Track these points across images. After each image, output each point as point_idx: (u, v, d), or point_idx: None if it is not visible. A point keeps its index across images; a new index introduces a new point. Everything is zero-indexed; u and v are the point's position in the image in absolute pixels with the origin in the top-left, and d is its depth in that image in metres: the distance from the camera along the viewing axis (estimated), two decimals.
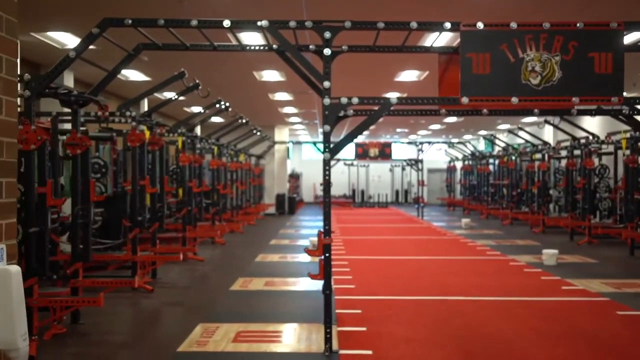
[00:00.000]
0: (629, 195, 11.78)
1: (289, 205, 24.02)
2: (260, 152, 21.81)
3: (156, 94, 13.34)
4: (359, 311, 6.70)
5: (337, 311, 6.67)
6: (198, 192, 11.73)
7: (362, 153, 22.77)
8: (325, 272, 5.27)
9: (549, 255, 10.26)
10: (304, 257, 11.10)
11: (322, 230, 5.35)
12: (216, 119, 17.95)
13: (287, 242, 13.79)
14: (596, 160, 14.79)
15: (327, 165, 5.19)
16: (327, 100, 5.09)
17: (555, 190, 17.78)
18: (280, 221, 20.08)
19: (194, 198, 11.82)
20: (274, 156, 23.64)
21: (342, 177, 32.34)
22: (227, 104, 11.73)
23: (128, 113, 7.89)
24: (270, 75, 12.12)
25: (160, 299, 7.61)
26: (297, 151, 33.60)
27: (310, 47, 5.75)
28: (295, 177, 30.42)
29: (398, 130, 25.73)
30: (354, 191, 31.86)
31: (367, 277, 8.94)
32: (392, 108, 5.89)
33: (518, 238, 14.57)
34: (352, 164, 30.83)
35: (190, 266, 10.18)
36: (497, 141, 21.90)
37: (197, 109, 13.47)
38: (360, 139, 29.39)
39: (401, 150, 29.17)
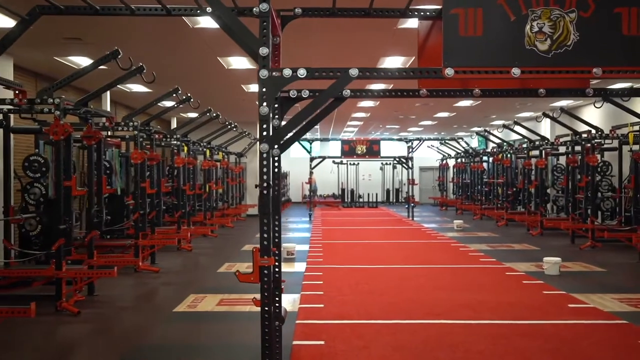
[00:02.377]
0: (639, 194, 10.54)
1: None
2: (241, 150, 20.46)
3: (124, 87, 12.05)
4: (322, 342, 5.41)
5: (295, 342, 5.38)
6: (153, 193, 10.38)
7: (349, 150, 21.43)
8: (262, 302, 3.96)
9: (551, 263, 9.01)
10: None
11: (270, 246, 4.03)
12: (194, 115, 16.67)
13: None
14: (598, 157, 13.54)
15: (265, 160, 3.88)
16: (264, 73, 3.79)
17: (554, 190, 16.55)
18: None
19: (153, 200, 10.52)
20: (256, 154, 22.29)
21: (331, 176, 31.09)
22: (189, 95, 10.42)
23: (51, 100, 6.58)
24: (239, 62, 10.79)
25: (84, 326, 6.30)
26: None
27: (255, 9, 4.43)
28: (282, 177, 29.07)
29: (388, 126, 24.49)
30: (343, 191, 30.57)
31: (341, 293, 7.65)
32: (357, 97, 4.64)
33: (514, 242, 13.31)
34: (341, 162, 29.54)
35: (140, 279, 8.88)
36: (491, 137, 20.62)
37: (170, 104, 12.15)
38: (347, 135, 28.14)
39: (391, 147, 27.87)
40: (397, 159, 23.77)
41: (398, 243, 13.36)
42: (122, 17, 7.60)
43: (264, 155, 3.87)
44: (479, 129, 22.90)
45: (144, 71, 7.64)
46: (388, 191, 31.33)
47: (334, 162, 29.13)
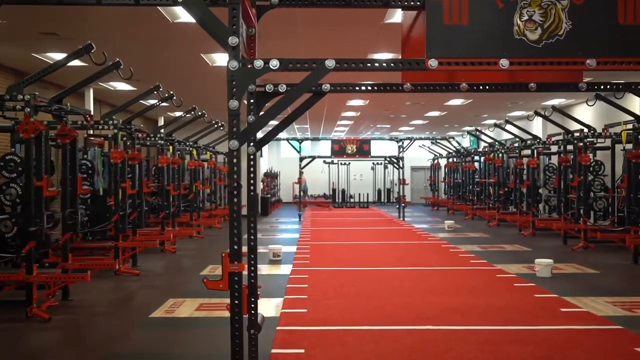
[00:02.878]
0: (633, 194, 10.32)
1: (262, 206, 22.41)
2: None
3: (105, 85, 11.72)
4: (302, 351, 5.14)
5: (273, 351, 5.11)
6: (135, 193, 10.07)
7: (339, 150, 21.16)
8: (232, 311, 3.70)
9: (543, 265, 8.77)
10: (265, 269, 9.53)
11: (243, 251, 3.77)
12: (181, 113, 16.32)
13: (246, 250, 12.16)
14: (590, 156, 13.33)
15: (235, 158, 3.61)
16: (234, 64, 3.52)
17: (546, 189, 16.34)
18: None
19: (135, 200, 10.23)
20: (246, 153, 21.97)
21: (322, 176, 30.81)
22: (171, 93, 10.13)
23: (20, 97, 6.28)
24: (223, 59, 10.49)
25: (53, 334, 6.00)
26: (274, 149, 32.01)
27: None
28: (272, 177, 28.80)
29: (379, 125, 24.24)
30: (334, 191, 30.29)
31: (326, 297, 7.38)
32: (337, 92, 4.38)
33: (506, 242, 13.08)
34: (332, 162, 29.28)
35: (119, 283, 8.58)
36: (482, 136, 20.40)
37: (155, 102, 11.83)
38: (338, 134, 27.86)
39: (382, 147, 27.61)
40: (388, 159, 23.51)
41: (388, 244, 13.11)
42: (102, 12, 7.43)
43: (234, 152, 3.60)
44: (471, 128, 22.68)
45: (121, 67, 7.34)
46: (379, 191, 31.10)
47: (324, 161, 28.84)
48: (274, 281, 8.54)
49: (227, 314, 6.47)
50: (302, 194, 29.09)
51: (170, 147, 12.94)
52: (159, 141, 12.01)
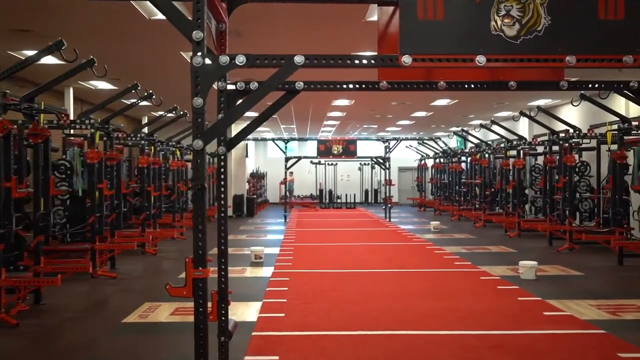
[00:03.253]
0: (617, 195, 10.25)
1: (247, 206, 22.21)
2: (215, 150, 19.88)
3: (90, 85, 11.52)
4: (276, 358, 4.96)
5: (246, 358, 4.94)
6: (112, 194, 9.85)
7: (325, 150, 21.00)
8: (196, 319, 3.52)
9: (527, 267, 8.66)
10: (246, 271, 9.37)
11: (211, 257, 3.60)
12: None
13: (231, 251, 11.92)
14: (576, 157, 13.26)
15: (199, 159, 3.43)
16: (197, 60, 3.35)
17: (532, 190, 16.27)
18: (235, 225, 18.27)
19: (113, 202, 10.01)
20: (231, 154, 21.80)
21: (309, 176, 30.64)
22: (150, 92, 9.93)
23: None
24: None
25: (19, 340, 5.79)
26: (261, 149, 31.81)
27: None
28: (258, 177, 28.58)
29: (365, 126, 24.12)
30: (321, 191, 30.13)
31: (305, 300, 7.22)
32: (310, 90, 4.23)
33: (491, 244, 12.98)
34: (319, 162, 29.10)
35: (95, 286, 8.38)
36: (469, 137, 20.32)
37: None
38: (326, 135, 27.70)
39: (369, 147, 27.49)
40: (374, 159, 23.39)
41: (372, 246, 12.96)
42: (78, 9, 7.22)
43: (198, 153, 3.42)
44: (457, 128, 22.60)
45: (95, 64, 7.14)
46: (366, 192, 30.97)
47: (311, 162, 28.67)
48: (254, 284, 8.38)
49: None
50: (287, 194, 29.02)
51: (152, 147, 12.72)
52: (140, 141, 11.78)
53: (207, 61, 3.38)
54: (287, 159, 20.84)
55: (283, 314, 6.46)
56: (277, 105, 4.38)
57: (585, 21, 3.42)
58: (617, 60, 3.42)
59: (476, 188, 19.16)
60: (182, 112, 12.43)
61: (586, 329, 5.86)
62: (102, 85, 12.77)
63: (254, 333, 5.70)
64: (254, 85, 4.20)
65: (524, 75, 4.33)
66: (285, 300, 7.20)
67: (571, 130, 12.06)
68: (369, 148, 27.40)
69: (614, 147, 10.71)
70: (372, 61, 3.46)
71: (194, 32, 3.35)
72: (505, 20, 3.38)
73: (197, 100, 3.36)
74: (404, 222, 19.15)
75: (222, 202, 4.27)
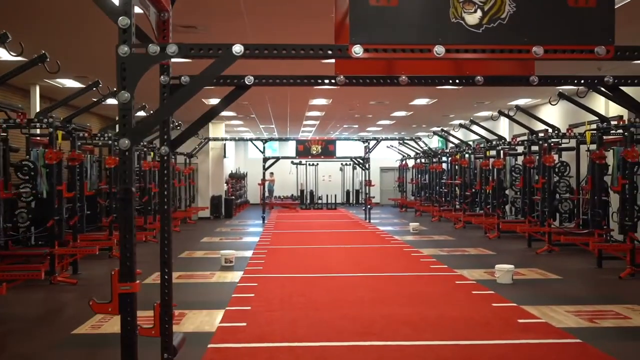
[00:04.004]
0: (596, 196, 10.01)
1: (225, 208, 21.80)
2: (191, 150, 19.47)
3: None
4: None
5: None
6: (73, 196, 9.44)
7: (304, 150, 20.62)
8: (124, 338, 3.17)
9: (503, 271, 8.39)
10: (214, 276, 9.01)
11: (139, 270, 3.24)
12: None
13: (201, 255, 11.64)
14: (556, 157, 13.04)
15: (126, 160, 3.08)
16: (124, 49, 3.00)
17: (512, 191, 16.04)
18: (212, 226, 17.88)
19: (75, 204, 9.59)
20: (209, 154, 21.39)
21: (290, 177, 30.25)
22: (114, 89, 9.48)
23: None
24: None
25: None
26: (242, 149, 31.37)
27: None
28: (238, 178, 28.16)
29: (345, 125, 23.81)
30: (302, 192, 29.76)
31: (271, 308, 6.87)
32: (262, 85, 3.90)
33: (470, 245, 12.72)
34: (300, 163, 28.74)
35: (52, 293, 7.99)
36: (450, 137, 20.07)
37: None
38: (307, 135, 27.36)
39: (349, 148, 27.19)
40: (354, 160, 23.09)
41: (349, 248, 12.64)
42: (40, 2, 6.81)
43: (125, 153, 3.07)
44: (438, 128, 22.34)
45: (47, 60, 6.74)
46: (348, 192, 30.67)
47: (292, 162, 28.31)
48: (220, 290, 8.03)
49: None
50: (267, 195, 28.61)
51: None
52: (108, 141, 11.35)
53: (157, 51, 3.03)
54: (265, 160, 20.46)
55: (245, 324, 6.11)
56: (226, 101, 4.04)
57: (554, 9, 3.12)
58: (588, 51, 3.13)
59: (456, 189, 18.92)
60: (151, 112, 12.01)
61: (561, 338, 5.57)
62: (70, 83, 12.33)
63: (209, 345, 5.35)
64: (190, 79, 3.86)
65: (493, 69, 4.03)
66: (249, 307, 6.85)
67: (550, 130, 11.83)
68: (349, 148, 27.10)
69: (594, 147, 10.49)
70: (320, 51, 3.13)
71: (120, 18, 3.00)
72: (466, 7, 3.06)
73: (123, 95, 3.01)
74: (384, 224, 18.86)
75: (165, 207, 3.92)
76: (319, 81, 4.01)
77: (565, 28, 3.13)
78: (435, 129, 23.54)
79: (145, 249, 12.48)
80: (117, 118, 15.79)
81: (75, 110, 10.27)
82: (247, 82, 3.91)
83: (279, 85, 4.04)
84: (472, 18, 3.07)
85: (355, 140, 23.37)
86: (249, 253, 11.60)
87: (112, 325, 6.15)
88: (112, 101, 11.34)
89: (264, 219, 19.56)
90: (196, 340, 5.53)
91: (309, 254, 11.67)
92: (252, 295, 7.57)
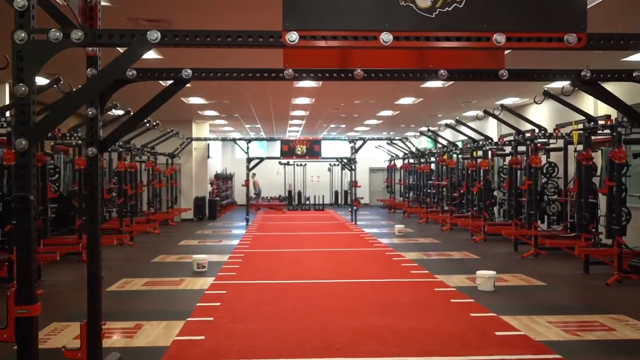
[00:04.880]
0: (583, 198, 9.65)
1: (209, 209, 21.36)
2: (172, 150, 19.01)
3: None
4: None
5: None
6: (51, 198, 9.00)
7: (289, 151, 20.20)
8: None
9: (485, 278, 8.01)
10: (183, 283, 8.59)
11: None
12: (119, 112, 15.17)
13: (175, 259, 11.21)
14: (544, 158, 12.70)
15: (24, 163, 2.66)
16: (21, 35, 2.59)
17: (500, 192, 15.69)
18: (193, 228, 17.45)
19: (37, 207, 9.17)
20: (192, 155, 20.94)
21: (278, 177, 29.83)
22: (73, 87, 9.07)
23: None
24: None
25: None
26: (229, 150, 30.92)
27: None
28: (225, 178, 27.74)
29: (332, 125, 23.39)
30: (289, 193, 29.36)
31: (235, 319, 6.47)
32: (201, 79, 3.51)
33: (455, 249, 12.35)
34: (287, 163, 28.34)
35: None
36: (436, 137, 19.70)
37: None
38: (294, 135, 26.94)
39: (337, 148, 26.80)
40: (340, 160, 22.71)
41: (330, 252, 12.25)
42: None
43: (23, 155, 2.66)
44: (425, 129, 21.95)
45: None
46: (336, 193, 30.28)
47: (280, 162, 27.90)
48: (186, 298, 7.60)
49: (110, 341, 5.56)
50: (254, 196, 28.17)
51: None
52: (78, 141, 10.91)
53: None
54: (249, 160, 20.04)
55: (202, 337, 5.70)
56: (162, 97, 3.62)
57: None
58: (557, 39, 2.73)
59: (444, 190, 18.56)
60: (126, 110, 11.59)
61: (540, 353, 5.19)
62: (39, 80, 11.88)
63: None
64: (131, 74, 3.45)
65: (458, 61, 3.64)
66: (212, 318, 6.43)
67: (537, 130, 11.47)
68: (337, 148, 26.72)
69: (581, 147, 10.11)
70: (250, 39, 2.73)
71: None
72: None
73: (20, 88, 2.61)
74: (370, 225, 18.48)
75: (92, 212, 3.50)
76: (265, 75, 3.60)
77: (531, 13, 2.73)
78: (424, 128, 23.19)
79: (119, 253, 12.07)
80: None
81: (41, 108, 9.81)
82: (184, 76, 3.51)
83: (220, 80, 3.64)
84: (424, 1, 2.67)
85: (342, 140, 22.99)
86: (225, 257, 11.19)
87: (61, 339, 5.76)
88: None
89: (247, 220, 19.14)
90: (148, 357, 5.14)
91: (287, 259, 11.27)
92: (218, 304, 7.16)
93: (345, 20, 2.67)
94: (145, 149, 16.16)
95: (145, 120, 13.85)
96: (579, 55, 5.51)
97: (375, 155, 28.61)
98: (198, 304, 7.15)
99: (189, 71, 3.52)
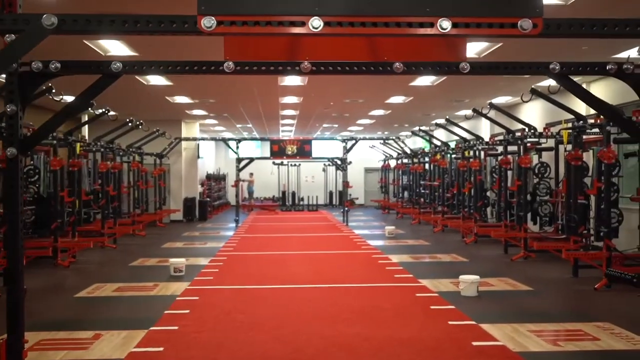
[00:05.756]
0: (572, 200, 9.34)
1: (200, 210, 21.05)
2: (161, 150, 18.68)
3: None
4: None
5: None
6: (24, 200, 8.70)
7: (279, 151, 19.86)
8: None
9: (468, 283, 7.69)
10: (157, 288, 8.28)
11: None
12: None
13: (154, 262, 10.88)
14: (535, 158, 12.38)
15: None
16: None
17: (493, 192, 15.36)
18: (181, 230, 17.11)
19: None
20: (181, 155, 20.63)
21: (272, 178, 29.53)
22: (50, 85, 8.77)
23: None
24: (115, 47, 9.12)
25: None
26: (222, 150, 30.61)
27: None
28: (218, 179, 27.43)
29: (325, 125, 23.08)
30: (284, 193, 29.05)
31: (201, 327, 6.16)
32: (134, 72, 3.18)
33: (444, 251, 12.04)
34: (281, 163, 28.04)
35: None
36: (428, 137, 19.36)
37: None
38: (287, 135, 26.63)
39: (329, 148, 26.48)
40: (331, 160, 22.40)
41: (315, 255, 11.94)
42: None
43: None
44: (422, 127, 21.60)
45: None
46: (331, 193, 29.97)
47: (274, 163, 27.60)
48: (156, 305, 7.27)
49: (60, 355, 5.25)
50: (247, 196, 27.87)
51: (78, 147, 11.63)
52: (52, 141, 10.59)
53: None
54: (239, 160, 19.74)
55: (161, 348, 5.39)
56: (91, 93, 3.32)
57: None
58: (510, 25, 2.42)
59: (435, 190, 18.23)
60: (105, 110, 11.28)
61: None
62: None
63: None
64: (55, 66, 3.14)
65: (415, 53, 3.33)
66: (177, 327, 6.12)
67: (526, 129, 11.16)
68: (330, 148, 26.41)
69: (571, 147, 9.79)
70: (161, 24, 2.42)
71: None
72: None
73: None
74: (362, 227, 18.17)
75: (12, 221, 3.20)
76: (204, 68, 3.30)
77: None
78: (415, 128, 22.86)
79: (98, 256, 11.76)
80: (81, 117, 14.83)
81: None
82: (114, 70, 3.20)
83: (155, 74, 3.36)
84: None
85: (335, 139, 22.69)
86: (206, 261, 10.88)
87: None
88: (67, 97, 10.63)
89: (237, 222, 18.82)
90: None
91: (270, 262, 10.97)
92: (187, 311, 6.85)
93: (271, 4, 2.37)
94: (131, 149, 15.85)
95: (128, 120, 13.57)
96: (572, 50, 5.22)
97: (370, 155, 28.31)
98: (166, 312, 6.84)
99: (119, 64, 3.21)
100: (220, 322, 6.39)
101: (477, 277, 7.79)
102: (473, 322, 6.26)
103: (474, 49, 8.47)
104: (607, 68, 3.36)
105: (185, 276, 9.16)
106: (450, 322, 6.30)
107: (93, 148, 13.11)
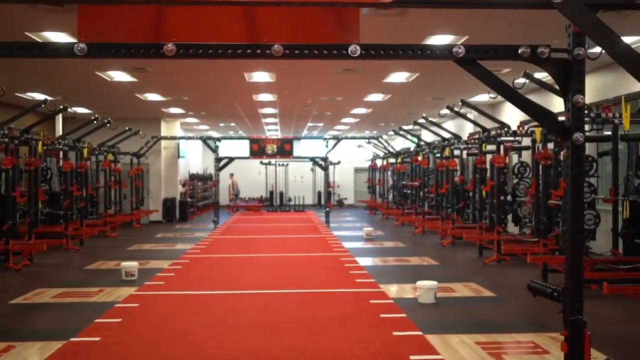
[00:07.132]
0: (541, 201, 8.90)
1: (180, 211, 20.62)
2: (138, 149, 18.23)
3: None
4: None
5: None
6: None
7: (258, 150, 19.43)
8: None
9: (425, 289, 7.26)
10: (101, 293, 7.85)
11: None
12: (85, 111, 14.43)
13: (112, 266, 10.43)
14: (515, 157, 11.95)
15: None
16: None
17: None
18: (156, 231, 16.67)
19: None
20: (161, 154, 20.20)
21: (259, 177, 29.08)
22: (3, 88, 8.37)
23: None
24: (59, 38, 8.70)
25: None
26: (209, 149, 30.13)
27: None
28: (204, 179, 26.98)
29: (310, 124, 22.64)
30: (271, 193, 28.62)
31: (125, 338, 5.75)
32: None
33: (417, 254, 11.61)
34: (269, 163, 27.61)
35: None
36: (409, 135, 18.92)
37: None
38: (274, 134, 26.20)
39: (315, 147, 26.00)
40: (313, 160, 21.96)
41: (284, 257, 11.50)
42: None
43: None
44: (400, 127, 21.14)
45: None
46: (319, 193, 29.53)
47: (261, 162, 27.18)
48: (89, 313, 6.78)
49: None
50: (233, 196, 27.45)
51: (40, 146, 11.22)
52: (4, 139, 10.16)
53: None
54: (218, 160, 19.32)
55: None
56: None
57: None
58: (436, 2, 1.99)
59: (422, 191, 17.78)
60: (62, 107, 10.85)
61: None
62: None
63: None
64: None
65: (295, 34, 2.90)
66: (98, 338, 5.69)
67: (501, 128, 10.71)
68: (316, 148, 25.93)
69: (551, 146, 9.32)
70: None
71: None
72: None
73: None
74: (343, 228, 17.76)
75: None
76: (49, 53, 2.86)
77: None
78: (406, 127, 22.39)
79: (57, 258, 11.34)
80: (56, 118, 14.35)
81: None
82: None
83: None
84: None
85: (321, 139, 22.21)
86: (167, 264, 10.45)
87: None
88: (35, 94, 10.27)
89: (215, 222, 18.38)
90: None
91: (237, 265, 10.55)
92: (119, 320, 6.42)
93: None
94: (102, 148, 15.44)
95: (93, 118, 13.15)
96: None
97: (361, 154, 27.87)
98: (96, 320, 6.41)
99: None
100: (150, 332, 5.97)
101: (434, 282, 7.36)
102: (419, 333, 5.83)
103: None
104: (520, 52, 2.93)
105: (136, 280, 8.75)
106: (394, 333, 5.86)
107: (58, 146, 12.68)
